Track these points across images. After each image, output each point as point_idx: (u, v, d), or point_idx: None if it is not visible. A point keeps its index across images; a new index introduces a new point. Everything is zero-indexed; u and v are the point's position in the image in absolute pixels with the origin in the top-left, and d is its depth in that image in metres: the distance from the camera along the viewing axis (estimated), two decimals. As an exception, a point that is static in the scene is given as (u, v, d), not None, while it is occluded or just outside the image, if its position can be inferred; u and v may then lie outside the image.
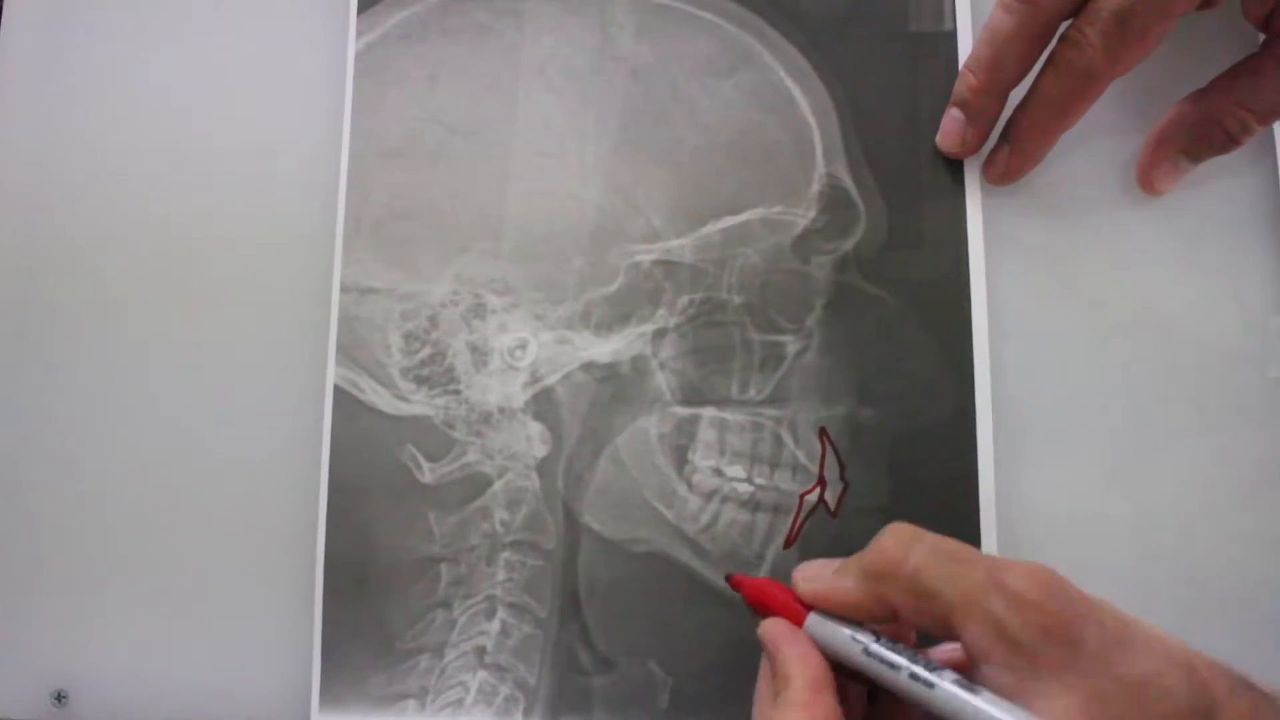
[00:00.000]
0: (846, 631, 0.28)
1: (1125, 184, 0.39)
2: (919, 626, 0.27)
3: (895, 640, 0.28)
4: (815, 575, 0.29)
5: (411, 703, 0.38)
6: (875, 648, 0.27)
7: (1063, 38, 0.35)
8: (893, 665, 0.26)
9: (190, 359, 0.42)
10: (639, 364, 0.39)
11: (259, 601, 0.40)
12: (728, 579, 0.32)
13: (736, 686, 0.37)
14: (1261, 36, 0.37)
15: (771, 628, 0.29)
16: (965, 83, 0.37)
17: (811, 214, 0.39)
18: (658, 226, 0.40)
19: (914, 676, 0.26)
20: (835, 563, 0.29)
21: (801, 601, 0.29)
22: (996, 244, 0.39)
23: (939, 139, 0.39)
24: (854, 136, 0.39)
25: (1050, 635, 0.25)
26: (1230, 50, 0.37)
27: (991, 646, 0.25)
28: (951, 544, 0.27)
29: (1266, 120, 0.37)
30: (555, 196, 0.40)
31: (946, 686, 0.25)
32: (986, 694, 0.25)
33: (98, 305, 0.42)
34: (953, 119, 0.38)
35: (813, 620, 0.29)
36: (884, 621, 0.28)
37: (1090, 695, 0.24)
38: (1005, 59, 0.36)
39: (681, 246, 0.39)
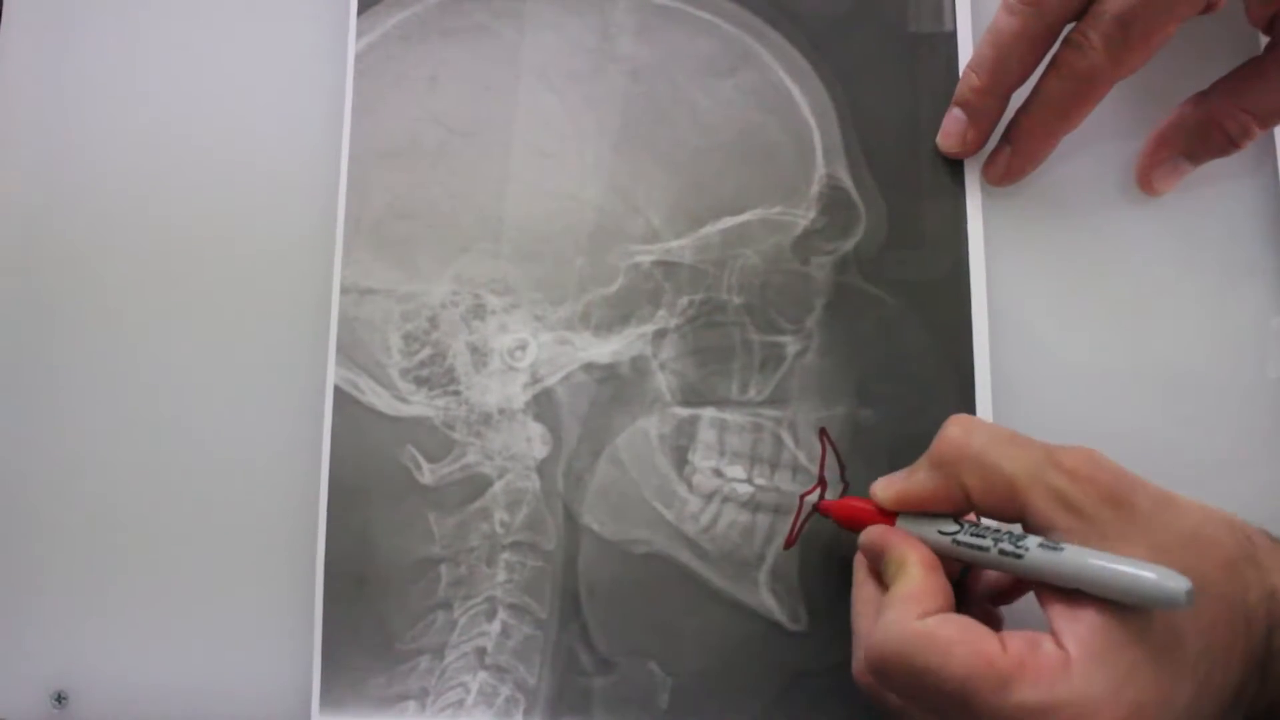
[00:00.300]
0: (933, 527, 0.31)
1: (1125, 185, 0.39)
2: (987, 507, 0.30)
3: (976, 522, 0.30)
4: (891, 481, 0.33)
5: (412, 704, 0.38)
6: (963, 536, 0.30)
7: (1066, 40, 0.35)
8: (981, 548, 0.29)
9: (190, 360, 0.42)
10: (639, 365, 0.39)
11: (259, 602, 0.40)
12: (816, 508, 0.36)
13: (737, 687, 0.37)
14: (1263, 39, 0.37)
15: (873, 531, 0.32)
16: (968, 83, 0.37)
17: (811, 214, 0.39)
18: (658, 227, 0.40)
19: (1003, 551, 0.29)
20: (904, 470, 0.33)
21: (884, 511, 0.33)
22: (997, 244, 0.39)
23: (940, 139, 0.38)
24: (854, 137, 0.39)
25: (1107, 500, 0.28)
26: (1231, 53, 0.37)
27: (1057, 515, 0.28)
28: (1008, 430, 0.31)
29: (1268, 124, 0.37)
30: (555, 197, 0.40)
31: (1035, 551, 0.28)
32: (1070, 547, 0.28)
33: (98, 306, 0.42)
34: (954, 119, 0.38)
35: (901, 523, 0.32)
36: (960, 508, 0.31)
37: (1152, 547, 0.27)
38: (1008, 61, 0.36)
39: (681, 247, 0.39)
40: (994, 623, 0.31)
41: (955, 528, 0.30)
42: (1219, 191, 0.39)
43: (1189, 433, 0.38)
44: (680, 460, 0.38)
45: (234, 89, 0.43)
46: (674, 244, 0.39)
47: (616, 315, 0.39)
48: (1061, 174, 0.39)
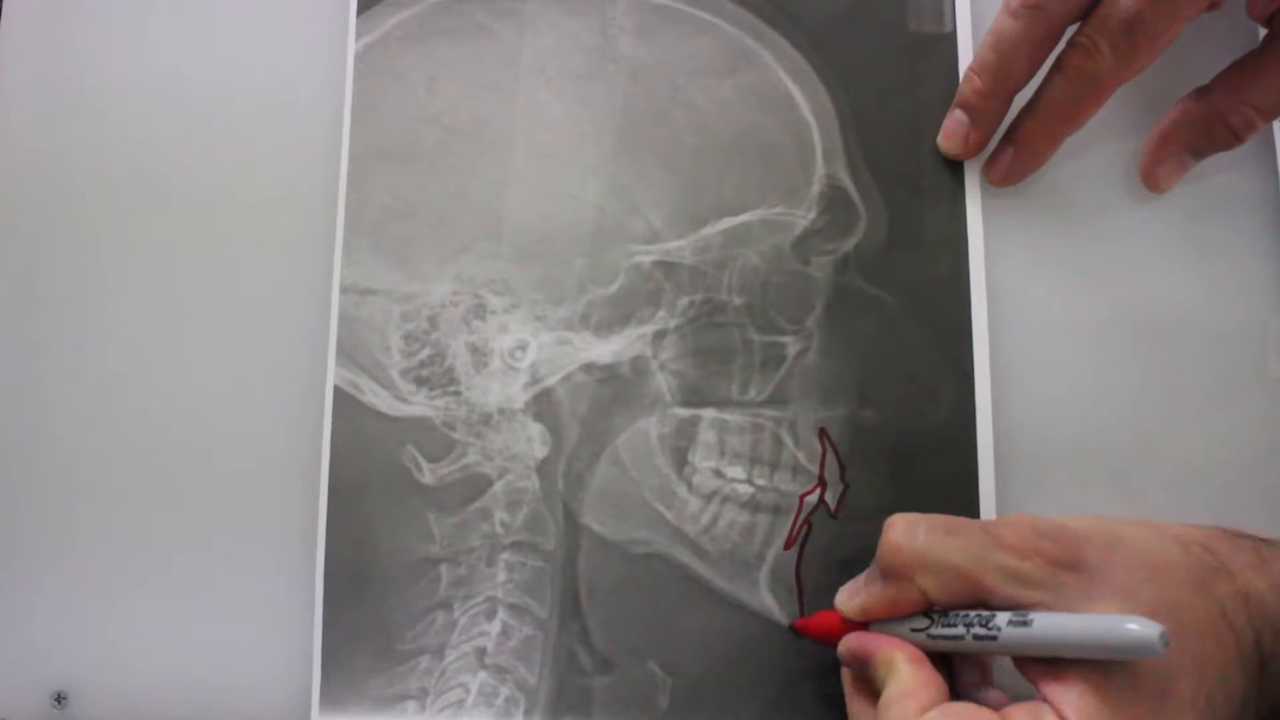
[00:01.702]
0: (905, 626, 0.31)
1: (1125, 184, 0.39)
2: (948, 601, 0.30)
3: (944, 613, 0.31)
4: (852, 592, 0.33)
5: (412, 704, 0.38)
6: (935, 630, 0.30)
7: (1070, 43, 0.35)
8: (955, 636, 0.30)
9: (190, 360, 0.41)
10: (639, 365, 0.39)
11: (259, 602, 0.40)
12: (791, 628, 0.37)
13: (737, 687, 0.37)
14: (1263, 32, 0.37)
15: (851, 639, 0.33)
16: (970, 85, 0.37)
17: (811, 215, 0.39)
18: (658, 227, 0.40)
19: (977, 636, 0.29)
20: (862, 577, 0.33)
21: (853, 622, 0.33)
22: (997, 244, 0.39)
23: (941, 140, 0.39)
24: (854, 137, 0.39)
25: (1058, 565, 0.28)
26: (1231, 48, 0.37)
27: (1015, 591, 0.28)
28: (942, 519, 0.31)
29: (1270, 116, 0.37)
30: (555, 197, 0.40)
31: (1006, 630, 0.28)
32: (1038, 618, 0.28)
33: (99, 306, 0.42)
34: (956, 121, 0.38)
35: (874, 628, 0.32)
36: (923, 607, 0.31)
37: (1116, 594, 0.27)
38: (1011, 63, 0.36)
39: (681, 247, 0.39)
40: (992, 701, 0.31)
41: (926, 623, 0.31)
42: (1219, 191, 0.39)
43: (1189, 433, 0.38)
44: (680, 460, 0.38)
45: (234, 89, 0.43)
46: (674, 244, 0.39)
47: (616, 315, 0.39)
48: (1061, 174, 0.39)
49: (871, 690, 0.32)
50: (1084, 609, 0.27)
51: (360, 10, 0.41)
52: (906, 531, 0.31)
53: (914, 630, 0.31)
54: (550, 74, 0.41)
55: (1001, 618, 0.28)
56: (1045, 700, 0.28)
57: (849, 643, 0.32)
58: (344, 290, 0.40)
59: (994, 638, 0.28)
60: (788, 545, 0.38)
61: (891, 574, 0.31)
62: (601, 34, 0.41)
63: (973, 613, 0.29)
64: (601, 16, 0.41)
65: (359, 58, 0.41)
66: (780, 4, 0.40)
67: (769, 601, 0.37)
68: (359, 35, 0.41)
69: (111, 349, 0.42)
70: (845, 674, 0.34)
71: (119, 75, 0.43)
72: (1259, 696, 0.28)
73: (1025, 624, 0.28)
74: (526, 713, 0.38)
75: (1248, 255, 0.39)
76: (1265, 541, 0.29)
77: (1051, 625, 0.27)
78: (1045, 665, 0.28)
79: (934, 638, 0.30)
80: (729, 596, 0.38)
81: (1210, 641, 0.27)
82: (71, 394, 0.42)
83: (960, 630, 0.29)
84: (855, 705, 0.33)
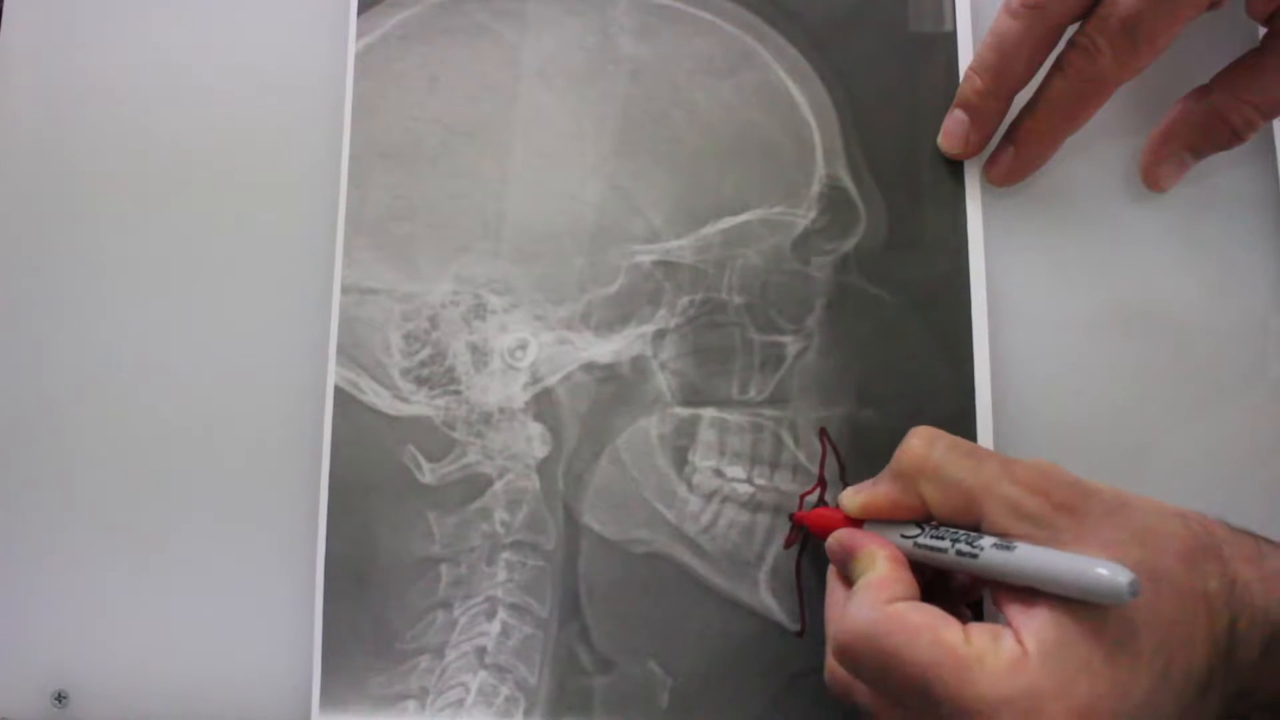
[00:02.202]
0: (896, 532, 0.32)
1: (1125, 184, 0.39)
2: (945, 516, 0.31)
3: (936, 526, 0.32)
4: (857, 489, 0.34)
5: (412, 703, 0.38)
6: (923, 539, 0.31)
7: (1071, 43, 0.35)
8: (939, 549, 0.31)
9: (191, 359, 0.42)
10: (639, 364, 0.39)
11: (259, 601, 0.40)
12: (791, 518, 0.37)
13: (737, 687, 0.37)
14: (1262, 31, 0.37)
15: (841, 533, 0.34)
16: (970, 85, 0.37)
17: (812, 214, 0.39)
18: (658, 227, 0.40)
19: (959, 552, 0.30)
20: (870, 479, 0.34)
21: (852, 520, 0.34)
22: (997, 244, 0.39)
23: (941, 140, 0.39)
24: (854, 137, 0.39)
25: (1059, 508, 0.29)
26: (1231, 47, 0.37)
27: (1010, 522, 0.29)
28: (967, 443, 0.32)
29: (1271, 115, 0.37)
30: (555, 197, 0.40)
31: (989, 551, 0.29)
32: (1023, 546, 0.28)
33: (99, 306, 0.42)
34: (956, 120, 0.38)
35: (868, 528, 0.34)
36: (921, 516, 0.32)
37: (1104, 544, 0.28)
38: (1011, 63, 0.36)
39: (682, 247, 0.39)
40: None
41: (916, 531, 0.32)
42: (1218, 191, 0.39)
43: (1190, 432, 0.38)
44: (680, 460, 0.38)
45: (234, 89, 0.43)
46: (674, 244, 0.39)
47: (617, 315, 0.39)
48: (1061, 173, 0.39)
49: (850, 583, 0.33)
50: (1069, 550, 0.28)
51: (360, 10, 0.41)
52: (927, 441, 0.32)
53: (903, 536, 0.32)
54: (550, 74, 0.41)
55: (987, 540, 0.29)
56: (1009, 623, 0.28)
57: (840, 536, 0.34)
58: (344, 290, 0.40)
59: (975, 556, 0.29)
60: (787, 545, 0.38)
61: (899, 476, 0.32)
62: (602, 34, 0.41)
63: (961, 530, 0.31)
64: (602, 16, 0.41)
65: (359, 58, 0.41)
66: (780, 4, 0.40)
67: (769, 601, 0.37)
68: (359, 35, 0.41)
69: (112, 349, 0.42)
70: (830, 568, 0.34)
71: (119, 75, 0.44)
72: (1225, 677, 0.28)
73: (1008, 549, 0.29)
74: (526, 712, 0.38)
75: (1247, 254, 0.39)
76: (1266, 541, 0.30)
77: (1031, 555, 0.28)
78: (1017, 594, 0.28)
79: (920, 546, 0.31)
80: (729, 596, 0.38)
81: (1185, 611, 0.27)
82: (72, 394, 0.42)
83: (945, 544, 0.30)
84: (833, 597, 0.34)
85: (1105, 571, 0.26)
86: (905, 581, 0.31)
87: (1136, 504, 0.29)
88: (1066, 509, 0.29)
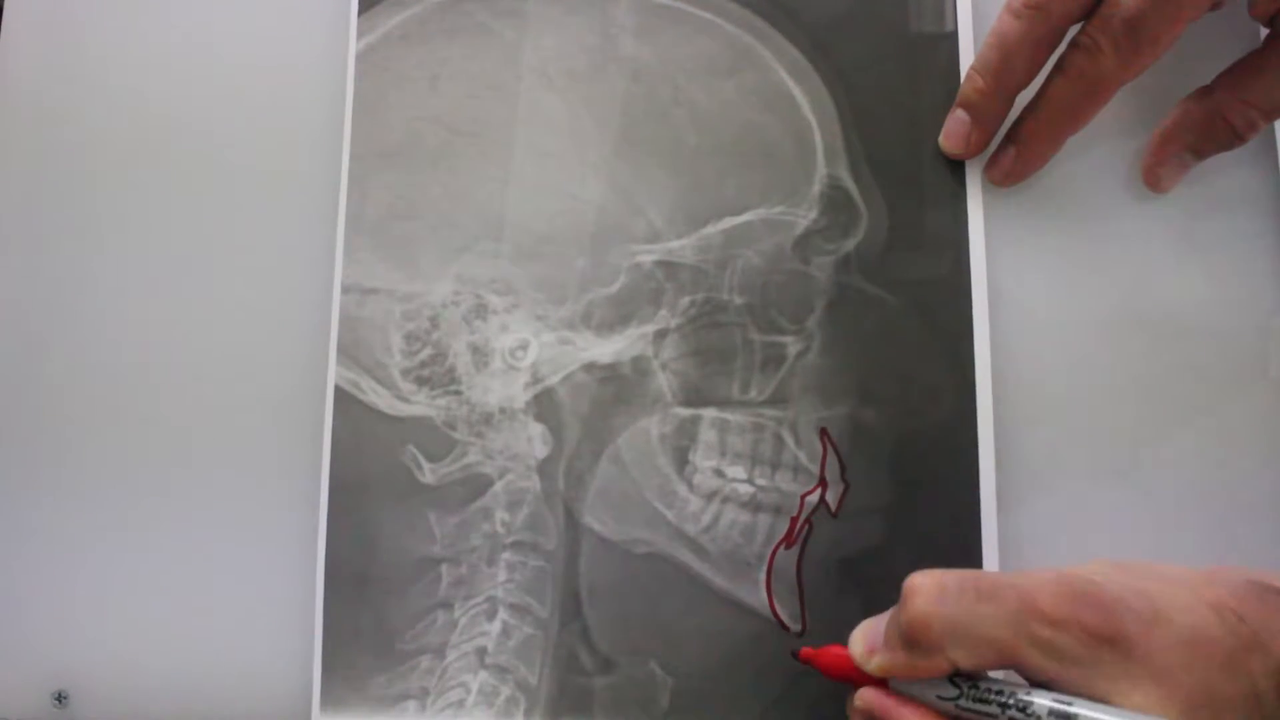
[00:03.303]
0: (932, 691, 0.29)
1: (1126, 184, 0.39)
2: (978, 666, 0.29)
3: (974, 682, 0.29)
4: (870, 645, 0.31)
5: (412, 703, 0.38)
6: (965, 702, 0.29)
7: (1073, 43, 0.35)
8: (989, 714, 0.28)
9: (192, 359, 0.41)
10: (640, 364, 0.39)
11: (259, 602, 0.40)
12: (795, 655, 0.34)
13: (737, 687, 0.37)
14: (1265, 32, 0.37)
15: (869, 696, 0.31)
16: (972, 85, 0.37)
17: (813, 214, 0.39)
18: (659, 227, 0.40)
19: (1011, 715, 0.28)
20: (881, 627, 0.31)
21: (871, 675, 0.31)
22: (998, 244, 0.39)
23: (942, 140, 0.38)
24: (855, 137, 0.39)
25: (1098, 641, 0.27)
26: (1233, 48, 0.37)
27: (1052, 667, 0.27)
28: (972, 580, 0.29)
29: (1272, 115, 0.37)
30: (556, 197, 0.40)
31: (1044, 705, 0.27)
32: (1080, 702, 0.27)
33: (100, 306, 0.42)
34: (958, 120, 0.38)
35: (895, 686, 0.30)
36: (950, 673, 0.29)
37: (1155, 677, 0.26)
38: (1013, 63, 0.36)
39: (683, 247, 0.39)
40: None
41: (955, 691, 0.29)
42: (1219, 191, 0.39)
43: (1190, 433, 0.38)
44: (681, 460, 0.38)
45: (235, 89, 0.43)
46: (675, 244, 0.39)
47: (618, 315, 0.39)
48: (1062, 173, 0.39)
49: None
50: (1123, 688, 0.27)
51: (361, 10, 0.41)
52: (935, 598, 0.29)
53: (940, 697, 0.29)
54: (551, 73, 0.41)
55: (1041, 704, 0.27)
56: None
57: (867, 698, 0.31)
58: (345, 289, 0.40)
59: (1029, 716, 0.27)
60: (789, 545, 0.38)
61: (917, 646, 0.29)
62: (603, 33, 0.41)
63: (1007, 691, 0.28)
64: (603, 16, 0.41)
65: (360, 58, 0.41)
66: (781, 3, 0.40)
67: (769, 601, 0.37)
68: (360, 35, 0.41)
69: (113, 349, 0.42)
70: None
71: (119, 75, 0.43)
72: None
73: (1067, 711, 0.27)
74: (527, 712, 0.38)
75: (1249, 254, 0.39)
76: None
77: (1092, 715, 0.26)
78: None
79: (963, 708, 0.29)
80: (730, 596, 0.38)
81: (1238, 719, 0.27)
82: (72, 394, 0.42)
83: (994, 709, 0.28)
84: None
85: None
86: None
87: (1166, 607, 0.27)
88: (1104, 640, 0.27)
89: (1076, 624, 0.27)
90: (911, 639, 0.29)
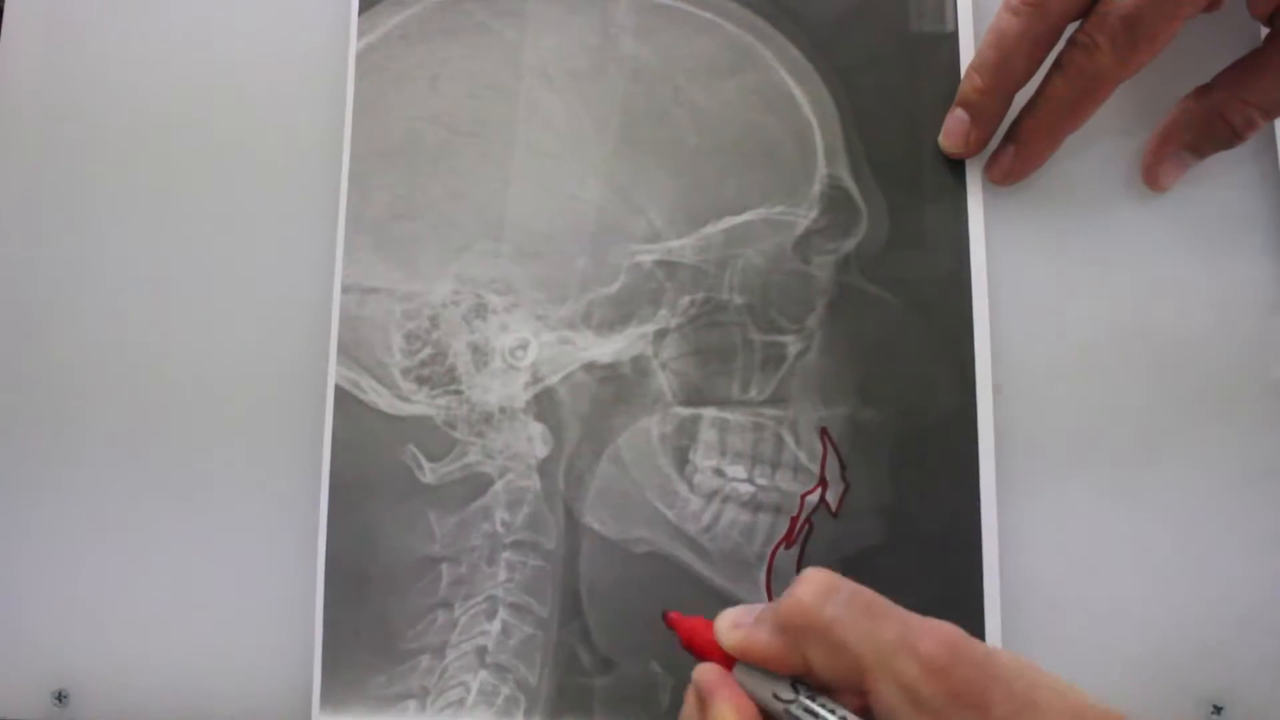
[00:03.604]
0: (769, 688, 0.28)
1: (1127, 184, 0.39)
2: (829, 680, 0.27)
3: (817, 693, 0.27)
4: (737, 623, 0.29)
5: (412, 703, 0.38)
6: (796, 709, 0.27)
7: (1071, 41, 0.35)
8: (816, 717, 0.27)
9: (192, 358, 0.42)
10: (640, 364, 0.39)
11: (259, 601, 0.40)
12: (664, 617, 0.32)
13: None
14: (1265, 31, 0.37)
15: (707, 673, 0.29)
16: (971, 83, 0.37)
17: (813, 214, 0.39)
18: (659, 227, 0.40)
19: None
20: (758, 609, 0.29)
21: (724, 650, 0.29)
22: (998, 243, 0.39)
23: (942, 139, 0.39)
24: (855, 136, 0.39)
25: (958, 699, 0.25)
26: (1233, 47, 0.37)
27: (902, 710, 0.25)
28: (867, 596, 0.27)
29: (1271, 114, 0.37)
30: (556, 196, 0.40)
31: None
32: None
33: (100, 307, 0.42)
34: (957, 119, 0.38)
35: (739, 672, 0.29)
36: (801, 673, 0.28)
37: None
38: (1011, 61, 0.36)
39: (683, 246, 0.39)
40: None
41: (791, 696, 0.27)
42: (1220, 190, 0.39)
43: (1190, 433, 0.38)
44: (681, 460, 0.38)
45: (235, 89, 0.43)
46: (675, 243, 0.39)
47: (618, 315, 0.39)
48: (1062, 172, 0.39)
49: None
50: None
51: (361, 10, 0.41)
52: (822, 593, 0.27)
53: (776, 696, 0.28)
54: (551, 73, 0.41)
55: None
56: None
57: (704, 675, 0.29)
58: (345, 289, 0.40)
59: None
60: (789, 544, 0.38)
61: (785, 631, 0.28)
62: (603, 33, 0.41)
63: (839, 714, 0.27)
64: (603, 16, 0.41)
65: (360, 57, 0.41)
66: (782, 3, 0.40)
67: (769, 601, 0.37)
68: (360, 35, 0.41)
69: (112, 349, 0.42)
70: (689, 692, 0.30)
71: (119, 75, 0.44)
72: None
73: None
74: (527, 712, 0.38)
75: (1249, 254, 0.39)
76: None
77: None
78: None
79: (792, 715, 0.27)
80: (730, 596, 0.38)
81: None
82: (72, 394, 0.42)
83: None
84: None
85: None
86: None
87: (1044, 706, 0.25)
88: (967, 701, 0.25)
89: (945, 675, 0.25)
90: (781, 624, 0.28)
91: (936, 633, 0.26)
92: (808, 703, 0.27)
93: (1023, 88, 0.37)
